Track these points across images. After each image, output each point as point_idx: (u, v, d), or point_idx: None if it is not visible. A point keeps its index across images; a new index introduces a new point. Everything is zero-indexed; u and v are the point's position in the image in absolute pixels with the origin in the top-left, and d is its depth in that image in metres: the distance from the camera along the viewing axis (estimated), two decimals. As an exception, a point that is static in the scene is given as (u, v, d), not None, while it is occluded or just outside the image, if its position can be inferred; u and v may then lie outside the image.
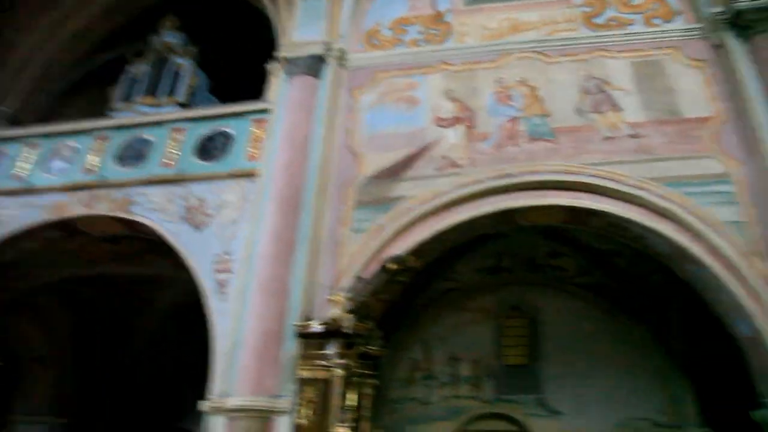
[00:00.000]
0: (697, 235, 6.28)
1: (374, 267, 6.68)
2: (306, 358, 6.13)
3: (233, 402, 6.05)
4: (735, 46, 7.14)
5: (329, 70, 8.08)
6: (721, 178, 6.53)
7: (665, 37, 7.62)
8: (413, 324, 10.91)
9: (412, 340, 10.93)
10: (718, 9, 7.34)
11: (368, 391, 6.59)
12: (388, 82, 7.98)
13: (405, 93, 7.81)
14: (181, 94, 8.98)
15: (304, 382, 6.03)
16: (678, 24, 7.76)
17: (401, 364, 10.78)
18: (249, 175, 7.60)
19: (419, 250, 6.81)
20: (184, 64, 9.31)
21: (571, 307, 10.72)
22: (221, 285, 6.97)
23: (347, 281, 6.63)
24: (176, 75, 9.23)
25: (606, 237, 8.03)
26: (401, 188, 7.09)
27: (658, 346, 10.12)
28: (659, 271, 8.76)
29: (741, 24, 7.17)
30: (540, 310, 10.85)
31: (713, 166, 6.62)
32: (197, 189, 7.69)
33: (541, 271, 10.81)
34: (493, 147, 7.18)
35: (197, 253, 7.23)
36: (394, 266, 6.48)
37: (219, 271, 7.06)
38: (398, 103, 7.76)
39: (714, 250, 6.19)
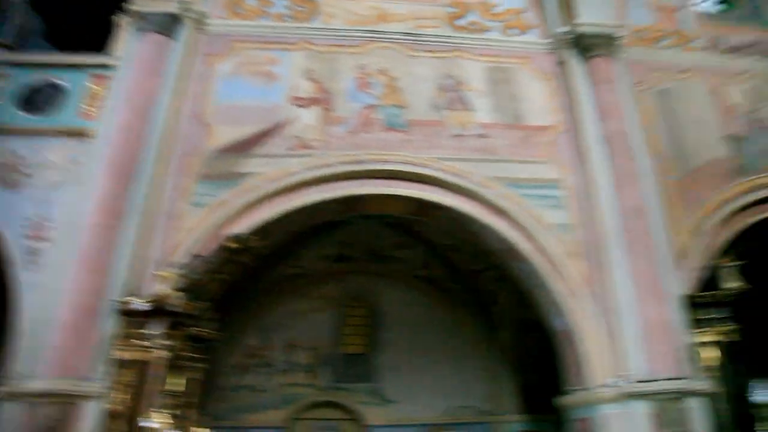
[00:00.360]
0: (527, 234, 6.76)
1: (213, 244, 6.30)
2: (126, 337, 5.59)
3: (34, 386, 5.37)
4: (575, 64, 7.81)
5: (185, 32, 7.50)
6: (554, 183, 7.09)
7: (518, 47, 8.14)
8: (253, 308, 10.54)
9: (250, 325, 10.56)
10: (565, 29, 7.95)
11: (197, 376, 6.18)
12: (248, 54, 7.58)
13: (264, 67, 7.48)
14: (7, 35, 7.82)
15: (121, 364, 5.50)
16: (531, 37, 8.31)
17: (236, 350, 10.37)
18: (80, 134, 6.81)
19: (264, 230, 6.56)
20: (13, 2, 8.12)
21: (410, 299, 11.09)
22: (34, 254, 6.17)
23: (182, 258, 6.18)
24: (2, 13, 8.02)
25: (446, 232, 8.37)
26: (250, 165, 6.77)
27: (487, 339, 10.83)
28: (492, 268, 9.34)
29: (582, 46, 7.85)
30: (381, 301, 11.08)
31: (548, 172, 7.18)
32: (13, 143, 6.71)
33: (384, 262, 11.01)
34: (347, 132, 7.14)
35: (6, 217, 6.32)
36: (235, 245, 6.14)
37: (32, 238, 6.23)
38: (256, 77, 7.41)
39: (541, 249, 6.72)
